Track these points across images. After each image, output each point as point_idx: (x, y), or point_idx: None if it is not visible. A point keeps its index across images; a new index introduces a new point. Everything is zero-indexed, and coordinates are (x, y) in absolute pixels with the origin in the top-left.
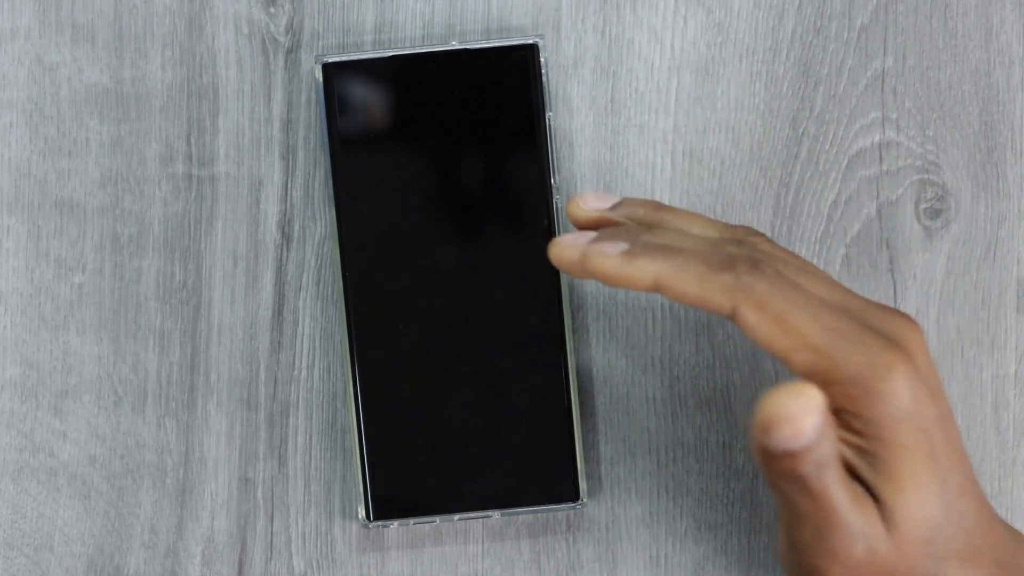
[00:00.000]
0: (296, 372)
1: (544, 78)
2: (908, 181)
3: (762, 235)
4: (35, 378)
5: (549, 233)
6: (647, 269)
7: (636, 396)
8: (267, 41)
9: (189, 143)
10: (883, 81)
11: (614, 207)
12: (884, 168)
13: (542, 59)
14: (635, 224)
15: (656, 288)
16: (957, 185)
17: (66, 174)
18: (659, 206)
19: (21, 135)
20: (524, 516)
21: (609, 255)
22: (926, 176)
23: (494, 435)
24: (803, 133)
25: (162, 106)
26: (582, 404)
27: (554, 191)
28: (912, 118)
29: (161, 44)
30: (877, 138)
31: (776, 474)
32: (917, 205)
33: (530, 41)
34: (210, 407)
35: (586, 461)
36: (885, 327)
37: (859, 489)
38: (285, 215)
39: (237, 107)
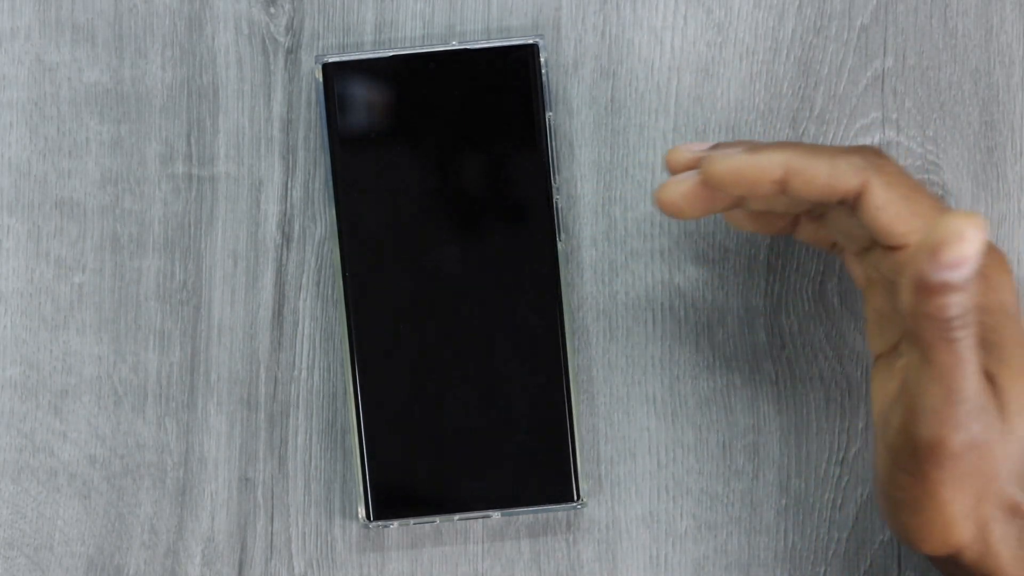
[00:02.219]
0: (296, 372)
1: (544, 78)
2: None
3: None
4: (35, 378)
5: (549, 233)
6: (775, 158)
7: (636, 396)
8: (267, 41)
9: (189, 143)
10: (883, 81)
11: (715, 146)
12: None
13: (542, 59)
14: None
15: (784, 178)
16: (957, 185)
17: (66, 174)
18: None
19: (21, 135)
20: (524, 516)
21: (731, 154)
22: (926, 176)
23: (494, 435)
24: (803, 133)
25: (162, 106)
26: (582, 404)
27: (554, 191)
28: (912, 118)
29: (161, 44)
30: (877, 138)
31: (925, 317)
32: None
33: (530, 41)
34: (210, 407)
35: (586, 461)
36: None
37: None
38: (285, 215)
39: (237, 107)
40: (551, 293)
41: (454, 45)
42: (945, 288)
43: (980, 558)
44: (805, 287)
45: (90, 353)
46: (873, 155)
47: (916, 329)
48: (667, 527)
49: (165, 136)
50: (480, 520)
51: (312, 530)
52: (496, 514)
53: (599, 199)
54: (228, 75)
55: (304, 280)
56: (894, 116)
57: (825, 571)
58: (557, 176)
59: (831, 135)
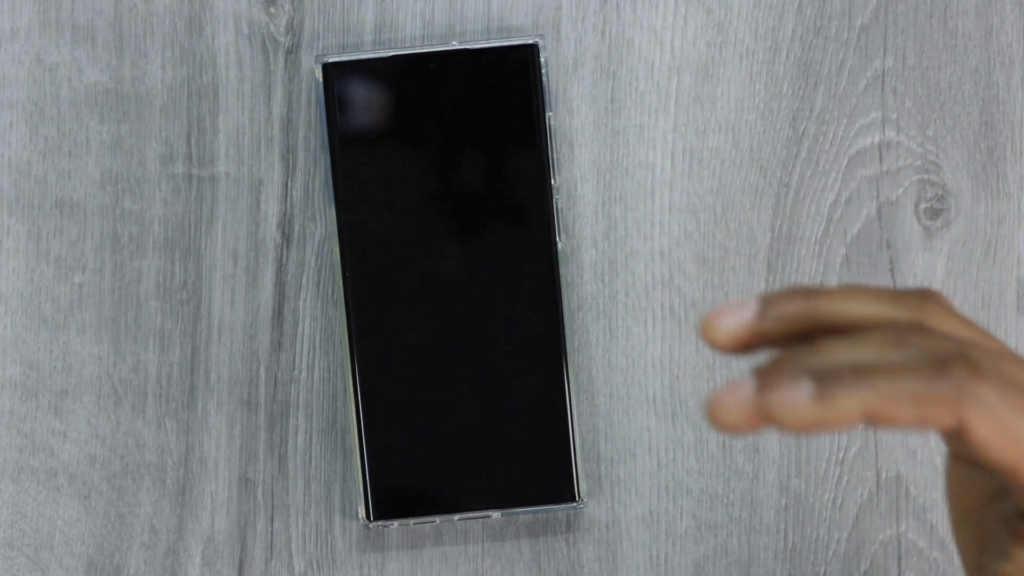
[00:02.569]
0: (296, 372)
1: (544, 78)
2: (908, 181)
3: (938, 298)
4: (35, 378)
5: (549, 233)
6: (851, 405)
7: (636, 396)
8: (267, 41)
9: (189, 143)
10: (883, 81)
11: (760, 315)
12: (884, 168)
13: (542, 59)
14: (791, 341)
15: (866, 422)
16: (957, 185)
17: (66, 174)
18: (807, 294)
19: (21, 135)
20: (524, 516)
21: (798, 403)
22: (926, 176)
23: (494, 435)
24: (803, 133)
25: (162, 106)
26: (582, 404)
27: (554, 191)
28: (912, 118)
29: (161, 44)
30: (877, 138)
31: None
32: (917, 205)
33: (530, 41)
34: (210, 407)
35: (586, 461)
36: None
37: None
38: (285, 215)
39: (237, 107)
40: (551, 293)
41: (454, 45)
42: None
43: None
44: None
45: (90, 353)
46: (965, 375)
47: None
48: (667, 527)
49: (165, 136)
50: (480, 520)
51: (312, 530)
52: (496, 514)
53: (599, 199)
54: (228, 75)
55: (304, 280)
56: (894, 116)
57: (825, 571)
58: (557, 176)
59: (831, 135)
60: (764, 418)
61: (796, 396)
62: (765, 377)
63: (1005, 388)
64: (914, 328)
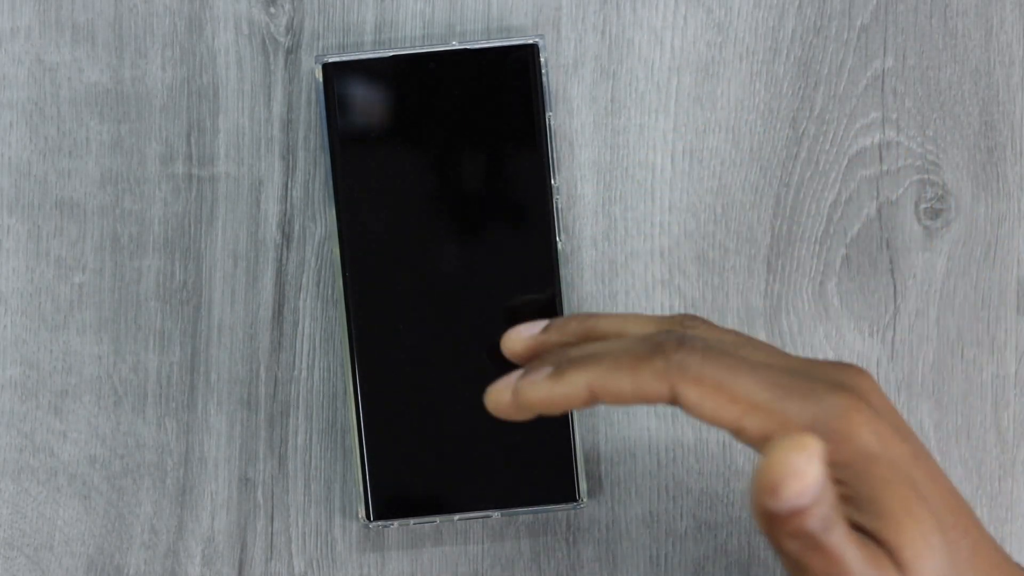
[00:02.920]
0: (296, 372)
1: (544, 78)
2: (908, 181)
3: (699, 318)
4: (35, 378)
5: (549, 233)
6: (577, 381)
7: None
8: (267, 41)
9: (189, 143)
10: (883, 81)
11: (545, 330)
12: (884, 168)
13: (542, 59)
14: (567, 344)
15: (592, 397)
16: (957, 185)
17: (66, 174)
18: (589, 315)
19: (21, 135)
20: (524, 516)
21: (537, 381)
22: (926, 176)
23: (494, 435)
24: (803, 133)
25: (162, 106)
26: None
27: (554, 191)
28: (912, 118)
29: (161, 44)
30: (877, 138)
31: (783, 536)
32: (917, 205)
33: (530, 41)
34: (210, 407)
35: (586, 461)
36: (832, 376)
37: (865, 539)
38: (285, 215)
39: (237, 107)
40: (551, 293)
41: (454, 45)
42: (796, 513)
43: None
44: (805, 287)
45: (90, 353)
46: (674, 348)
47: (779, 548)
48: (667, 527)
49: (165, 136)
50: (480, 520)
51: (312, 530)
52: (496, 514)
53: (599, 199)
54: (228, 75)
55: (304, 280)
56: (894, 116)
57: None
58: (557, 176)
59: (831, 135)
60: (516, 398)
61: (535, 377)
62: (530, 365)
63: (708, 352)
64: (664, 332)
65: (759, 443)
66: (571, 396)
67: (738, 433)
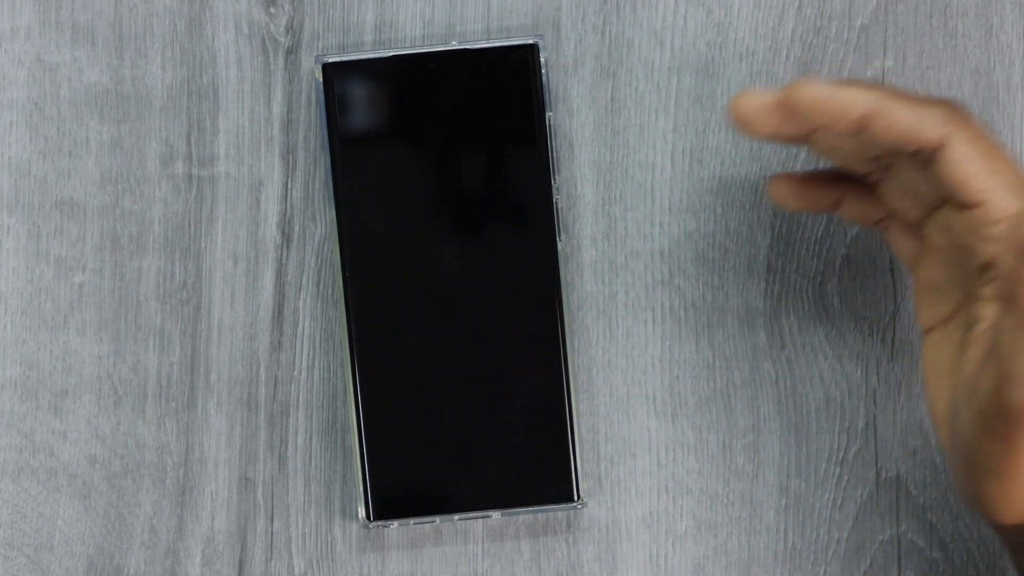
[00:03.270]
0: (296, 372)
1: (544, 78)
2: None
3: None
4: (35, 378)
5: (549, 233)
6: (862, 95)
7: (636, 396)
8: (267, 41)
9: (189, 143)
10: (883, 81)
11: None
12: None
13: (542, 59)
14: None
15: (864, 119)
16: None
17: (66, 174)
18: (840, 80)
19: (21, 135)
20: (524, 516)
21: (818, 81)
22: None
23: (494, 435)
24: None
25: (162, 106)
26: (582, 404)
27: (554, 191)
28: None
29: (161, 44)
30: None
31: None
32: None
33: (530, 41)
34: (210, 407)
35: (586, 461)
36: None
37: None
38: (285, 215)
39: (237, 107)
40: (551, 293)
41: (454, 45)
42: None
43: None
44: (805, 287)
45: (90, 353)
46: (957, 110)
47: (1016, 293)
48: (667, 527)
49: (165, 136)
50: (480, 520)
51: (312, 530)
52: (496, 514)
53: (599, 199)
54: (228, 75)
55: (304, 280)
56: None
57: (825, 571)
58: (557, 176)
59: None
60: (790, 92)
61: (815, 79)
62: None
63: (985, 132)
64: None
65: (998, 221)
66: (850, 105)
67: (979, 204)
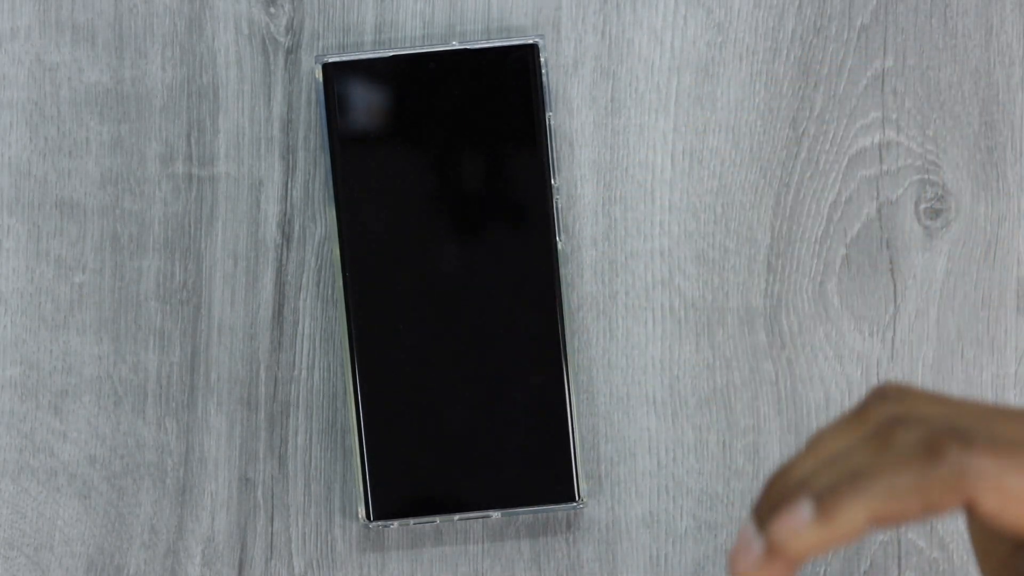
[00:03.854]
0: (296, 372)
1: (544, 78)
2: (908, 181)
3: (891, 387)
4: (35, 378)
5: (549, 233)
6: (855, 515)
7: (636, 396)
8: (267, 41)
9: (189, 143)
10: (883, 81)
11: (753, 513)
12: (884, 168)
13: (542, 59)
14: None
15: (877, 526)
16: (957, 185)
17: (66, 174)
18: (782, 475)
19: (21, 135)
20: (524, 516)
21: (802, 527)
22: (926, 176)
23: (494, 435)
24: (803, 133)
25: (162, 106)
26: (582, 404)
27: (554, 191)
28: (912, 118)
29: (161, 44)
30: (877, 138)
31: None
32: (917, 205)
33: (530, 41)
34: (210, 407)
35: (586, 461)
36: None
37: None
38: (285, 215)
39: (237, 107)
40: (551, 293)
41: (454, 45)
42: None
43: None
44: (805, 287)
45: (90, 353)
46: (960, 451)
47: None
48: (667, 527)
49: (165, 136)
50: (480, 520)
51: (312, 530)
52: (496, 514)
53: (599, 199)
54: (228, 75)
55: (304, 280)
56: (894, 116)
57: (825, 571)
58: (557, 176)
59: (831, 135)
60: (780, 550)
61: (798, 521)
62: (762, 513)
63: (1001, 450)
64: (891, 423)
65: None
66: (850, 533)
67: None
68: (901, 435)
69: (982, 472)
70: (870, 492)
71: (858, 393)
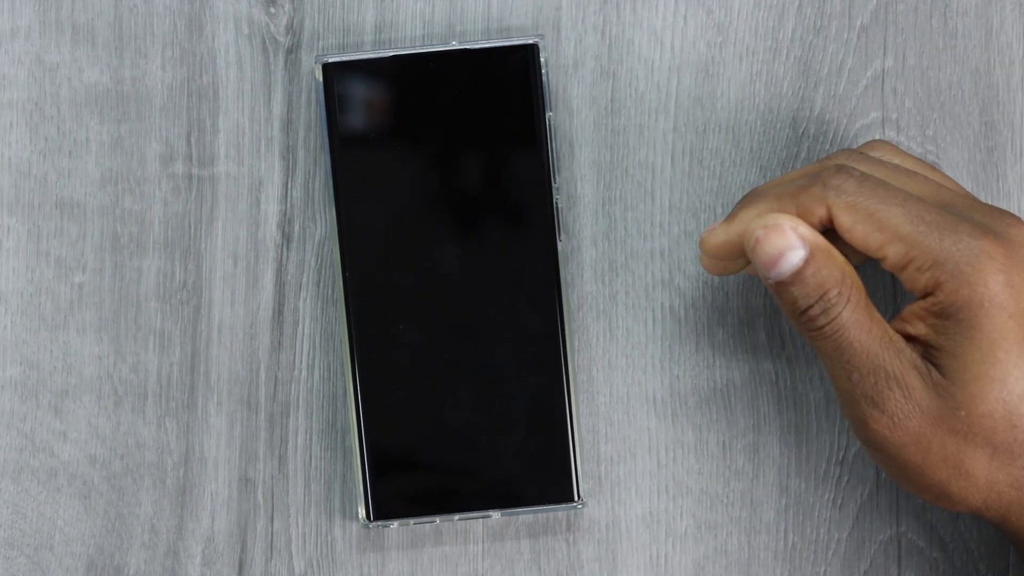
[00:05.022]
0: (296, 372)
1: (544, 78)
2: None
3: (882, 144)
4: (35, 378)
5: (549, 233)
6: (747, 217)
7: (636, 396)
8: (267, 41)
9: (189, 143)
10: (883, 81)
11: (727, 220)
12: None
13: (542, 59)
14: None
15: (764, 230)
16: None
17: (66, 174)
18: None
19: (21, 135)
20: (524, 516)
21: (714, 227)
22: None
23: (494, 435)
24: (803, 133)
25: (162, 106)
26: (582, 404)
27: (554, 191)
28: (912, 118)
29: (161, 44)
30: (877, 138)
31: (788, 315)
32: None
33: (530, 41)
34: (210, 407)
35: (586, 461)
36: (987, 220)
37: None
38: (285, 215)
39: (237, 107)
40: (551, 293)
41: (454, 45)
42: (781, 286)
43: (1002, 520)
44: None
45: (90, 353)
46: (833, 175)
47: (795, 326)
48: (667, 527)
49: (165, 136)
50: (480, 520)
51: (312, 530)
52: (496, 514)
53: (599, 199)
54: (228, 75)
55: (304, 280)
56: (894, 116)
57: (825, 571)
58: (557, 176)
59: (831, 135)
60: (701, 248)
61: (714, 224)
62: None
63: (864, 180)
64: (835, 166)
65: (899, 270)
66: (743, 235)
67: (881, 260)
68: (818, 169)
69: (841, 190)
70: (761, 202)
71: None
